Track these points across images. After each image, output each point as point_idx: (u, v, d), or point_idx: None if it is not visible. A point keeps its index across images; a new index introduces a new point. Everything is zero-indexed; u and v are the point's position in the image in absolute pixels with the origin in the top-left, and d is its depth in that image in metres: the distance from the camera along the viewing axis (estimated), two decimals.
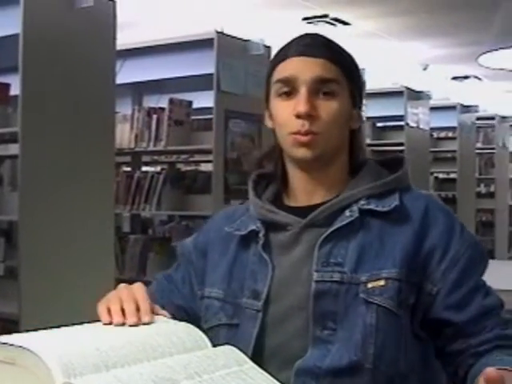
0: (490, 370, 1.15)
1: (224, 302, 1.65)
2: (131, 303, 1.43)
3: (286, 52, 1.66)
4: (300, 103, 1.59)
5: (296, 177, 1.69)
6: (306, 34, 1.70)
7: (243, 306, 1.61)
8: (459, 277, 1.54)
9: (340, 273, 1.54)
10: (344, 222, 1.58)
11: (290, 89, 1.62)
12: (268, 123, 1.72)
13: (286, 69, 1.63)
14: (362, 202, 1.61)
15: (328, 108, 1.61)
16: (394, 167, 1.71)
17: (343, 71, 1.64)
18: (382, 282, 1.51)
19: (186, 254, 1.81)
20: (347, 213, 1.59)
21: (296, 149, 1.63)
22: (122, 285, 1.52)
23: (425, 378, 1.57)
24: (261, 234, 1.64)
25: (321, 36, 1.70)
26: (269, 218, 1.66)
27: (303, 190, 1.69)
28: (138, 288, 1.50)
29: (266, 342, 1.56)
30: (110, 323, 1.40)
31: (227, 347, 1.36)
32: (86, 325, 1.37)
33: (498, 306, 1.55)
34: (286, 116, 1.62)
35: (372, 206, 1.60)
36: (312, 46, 1.64)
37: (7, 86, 4.20)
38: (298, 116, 1.59)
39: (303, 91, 1.60)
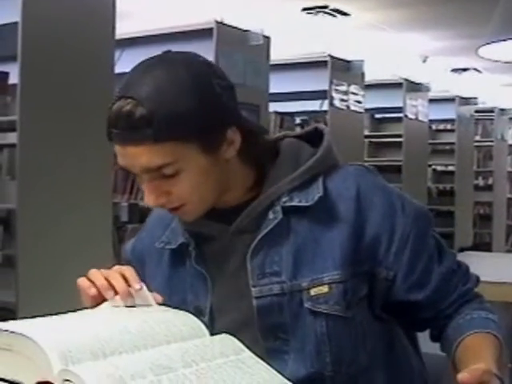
0: (462, 376, 1.14)
1: None
2: (119, 278, 1.40)
3: (109, 130, 1.40)
4: (146, 196, 1.44)
5: None
6: (123, 96, 1.38)
7: None
8: (412, 255, 1.49)
9: (279, 283, 1.46)
10: (270, 227, 1.47)
11: (136, 174, 1.44)
12: None
13: (118, 155, 1.42)
14: (284, 199, 1.49)
15: (179, 186, 1.42)
16: (316, 141, 1.58)
17: (176, 140, 1.37)
18: (325, 289, 1.45)
19: (126, 258, 1.74)
20: (270, 215, 1.49)
21: (174, 215, 1.53)
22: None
23: (392, 361, 1.54)
24: (191, 248, 1.55)
25: (139, 93, 1.36)
26: (194, 231, 1.56)
27: (219, 203, 1.54)
28: (126, 267, 1.45)
29: None
30: (96, 297, 1.40)
31: (225, 336, 1.36)
32: (83, 311, 1.38)
33: (453, 264, 1.55)
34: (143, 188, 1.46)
35: (295, 202, 1.49)
36: (127, 124, 1.36)
37: (6, 75, 4.19)
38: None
39: (145, 184, 1.44)
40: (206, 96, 1.39)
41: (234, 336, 1.43)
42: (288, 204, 1.48)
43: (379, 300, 1.51)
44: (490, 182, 11.26)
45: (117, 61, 4.55)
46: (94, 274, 1.43)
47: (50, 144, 3.79)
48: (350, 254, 1.46)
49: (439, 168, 10.57)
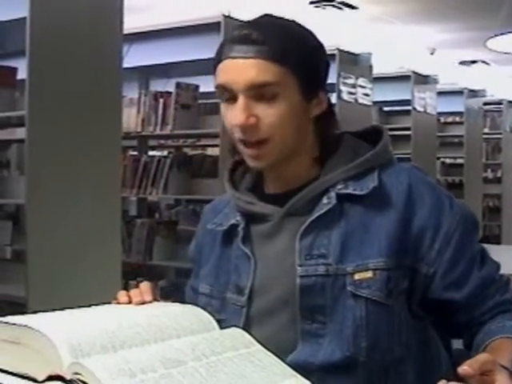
0: (460, 369, 1.14)
1: (210, 297, 1.64)
2: (136, 292, 1.50)
3: (222, 49, 1.52)
4: (236, 114, 1.49)
5: (264, 170, 1.63)
6: (243, 25, 1.54)
7: (228, 302, 1.59)
8: (454, 254, 1.51)
9: (325, 265, 1.49)
10: (322, 211, 1.51)
11: (229, 95, 1.51)
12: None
13: (221, 73, 1.52)
14: (339, 186, 1.54)
15: (270, 113, 1.49)
16: (373, 139, 1.64)
17: (284, 65, 1.48)
18: (369, 274, 1.47)
19: (191, 257, 1.81)
20: (325, 200, 1.53)
21: (247, 159, 1.57)
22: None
23: (424, 356, 1.55)
24: (240, 228, 1.60)
25: (258, 24, 1.52)
26: (247, 210, 1.62)
27: (276, 179, 1.63)
28: (144, 284, 1.54)
29: (252, 336, 1.44)
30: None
31: (235, 329, 1.37)
32: (93, 307, 1.38)
33: (494, 272, 1.55)
34: (229, 123, 1.53)
35: (349, 190, 1.53)
36: (244, 42, 1.48)
37: (14, 70, 4.19)
38: (236, 126, 1.50)
39: (240, 100, 1.48)
40: (320, 51, 1.56)
41: (273, 315, 1.52)
42: (343, 191, 1.53)
43: (418, 296, 1.53)
44: (498, 174, 11.22)
45: (125, 55, 4.56)
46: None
47: (59, 139, 3.79)
48: (395, 243, 1.49)
49: (448, 161, 10.55)
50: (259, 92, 1.47)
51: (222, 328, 1.45)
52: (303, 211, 1.54)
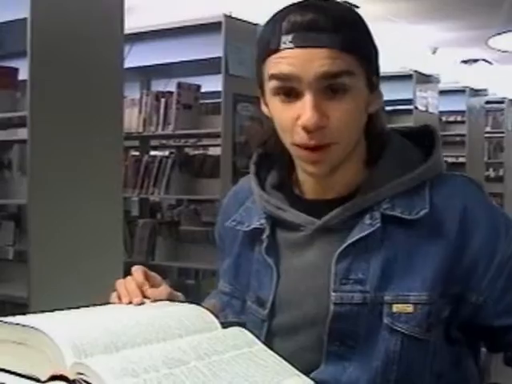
0: None
1: (231, 296, 1.56)
2: (132, 283, 1.44)
3: (278, 36, 1.34)
4: (306, 113, 1.32)
5: (304, 174, 1.47)
6: (301, 8, 1.35)
7: (247, 310, 1.52)
8: (507, 281, 1.39)
9: (362, 292, 1.37)
10: (364, 233, 1.37)
11: (289, 89, 1.35)
12: (265, 110, 1.48)
13: (283, 63, 1.33)
14: (385, 206, 1.39)
15: (340, 110, 1.34)
16: (423, 140, 1.50)
17: (356, 53, 1.34)
18: (409, 309, 1.35)
19: (217, 243, 1.71)
20: (367, 220, 1.39)
21: (304, 163, 1.41)
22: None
23: (454, 378, 1.45)
24: (265, 235, 1.48)
25: (319, 8, 1.34)
26: (276, 215, 1.48)
27: (314, 185, 1.48)
28: (136, 269, 1.49)
29: (274, 350, 1.34)
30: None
31: (237, 329, 1.36)
32: (95, 306, 1.38)
33: None
34: (287, 122, 1.37)
35: (397, 212, 1.38)
36: (312, 28, 1.31)
37: (16, 71, 4.19)
38: (304, 128, 1.33)
39: (308, 97, 1.32)
40: (370, 32, 1.41)
41: (297, 333, 1.43)
42: (389, 213, 1.39)
43: (459, 322, 1.42)
44: (500, 173, 11.22)
45: (126, 55, 4.56)
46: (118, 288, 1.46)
47: (61, 139, 3.79)
48: (442, 275, 1.37)
49: (450, 160, 10.53)
50: (327, 84, 1.32)
51: None
52: (341, 226, 1.41)
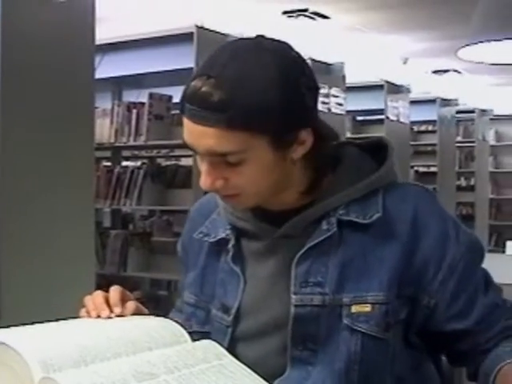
0: None
1: (196, 307, 1.58)
2: (99, 297, 1.45)
3: (183, 100, 1.37)
4: (202, 178, 1.39)
5: None
6: (205, 73, 1.34)
7: (213, 318, 1.54)
8: (457, 286, 1.45)
9: (321, 294, 1.42)
10: (322, 238, 1.43)
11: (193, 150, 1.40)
12: None
13: (184, 129, 1.38)
14: (341, 212, 1.45)
15: (238, 176, 1.38)
16: (378, 152, 1.54)
17: (250, 129, 1.32)
18: (367, 308, 1.41)
19: (180, 256, 1.73)
20: (324, 225, 1.44)
21: (225, 202, 1.51)
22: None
23: (415, 382, 1.50)
24: (230, 245, 1.52)
25: (222, 75, 1.31)
26: (239, 226, 1.53)
27: (268, 204, 1.51)
28: (114, 291, 1.48)
29: (238, 356, 1.40)
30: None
31: (207, 341, 1.36)
32: (64, 321, 1.37)
33: (498, 297, 1.49)
34: (201, 169, 1.42)
35: (352, 217, 1.44)
36: (202, 105, 1.32)
37: None
38: None
39: (203, 165, 1.39)
40: (290, 93, 1.35)
41: (261, 338, 1.47)
42: (345, 218, 1.44)
43: (416, 326, 1.47)
44: (472, 182, 11.29)
45: (97, 66, 4.54)
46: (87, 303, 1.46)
47: (31, 150, 3.77)
48: (397, 276, 1.42)
49: (421, 169, 10.61)
50: (223, 158, 1.35)
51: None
52: (300, 233, 1.46)
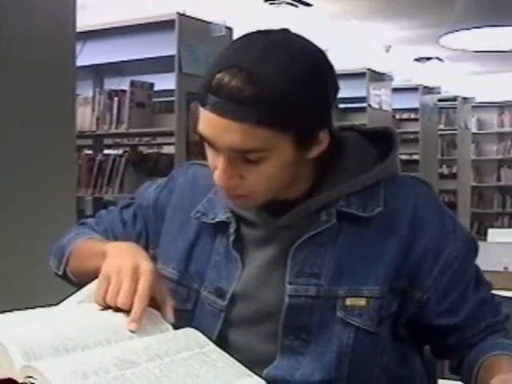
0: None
1: (178, 284, 1.54)
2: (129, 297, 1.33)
3: (206, 91, 1.31)
4: (218, 172, 1.35)
5: None
6: (236, 65, 1.29)
7: (203, 300, 1.51)
8: (451, 281, 1.45)
9: (316, 285, 1.41)
10: (320, 229, 1.42)
11: (209, 143, 1.36)
12: None
13: (203, 122, 1.34)
14: (342, 203, 1.43)
15: (256, 174, 1.35)
16: (380, 141, 1.53)
17: (277, 127, 1.29)
18: (362, 302, 1.40)
19: (143, 208, 1.69)
20: (323, 216, 1.43)
21: (227, 199, 1.47)
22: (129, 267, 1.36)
23: (400, 373, 1.50)
24: (232, 230, 1.49)
25: (253, 70, 1.28)
26: (238, 213, 1.50)
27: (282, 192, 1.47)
28: (144, 277, 1.35)
29: (229, 340, 1.44)
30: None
31: (189, 330, 1.35)
32: (45, 308, 1.36)
33: (487, 293, 1.50)
34: (210, 163, 1.40)
35: (352, 210, 1.43)
36: (232, 98, 1.27)
37: None
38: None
39: (221, 160, 1.34)
40: (317, 92, 1.33)
41: (254, 324, 1.46)
42: (345, 210, 1.43)
43: (405, 319, 1.47)
44: (454, 170, 11.36)
45: (78, 53, 4.52)
46: (113, 281, 1.35)
47: (12, 139, 3.75)
48: (393, 269, 1.41)
49: (404, 157, 10.61)
50: (243, 155, 1.32)
51: (188, 320, 1.45)
52: (299, 224, 1.44)
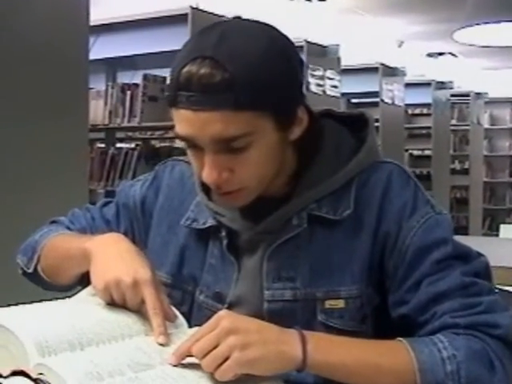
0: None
1: (172, 288, 1.53)
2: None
3: (175, 90, 1.29)
4: (205, 170, 1.31)
5: None
6: (200, 55, 1.27)
7: (200, 304, 1.50)
8: (407, 271, 1.37)
9: (292, 289, 1.41)
10: (292, 233, 1.41)
11: (192, 144, 1.33)
12: None
13: (179, 123, 1.31)
14: (312, 206, 1.42)
15: (244, 163, 1.32)
16: (358, 126, 1.50)
17: (256, 108, 1.27)
18: (341, 304, 1.39)
19: (129, 208, 1.68)
20: (295, 220, 1.42)
21: (219, 199, 1.44)
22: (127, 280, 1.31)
23: None
24: (224, 233, 1.48)
25: (220, 55, 1.25)
26: (219, 219, 1.48)
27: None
28: (149, 290, 1.31)
29: None
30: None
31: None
32: (59, 301, 1.36)
33: (456, 288, 1.35)
34: (196, 168, 1.38)
35: (322, 213, 1.42)
36: (205, 89, 1.25)
37: None
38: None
39: (207, 157, 1.31)
40: (287, 67, 1.31)
41: None
42: (315, 213, 1.42)
43: (383, 316, 1.42)
44: (466, 165, 11.30)
45: (91, 47, 4.52)
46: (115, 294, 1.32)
47: (26, 132, 3.75)
48: (367, 262, 1.39)
49: (416, 152, 10.60)
50: (228, 145, 1.28)
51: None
52: (276, 229, 1.43)
